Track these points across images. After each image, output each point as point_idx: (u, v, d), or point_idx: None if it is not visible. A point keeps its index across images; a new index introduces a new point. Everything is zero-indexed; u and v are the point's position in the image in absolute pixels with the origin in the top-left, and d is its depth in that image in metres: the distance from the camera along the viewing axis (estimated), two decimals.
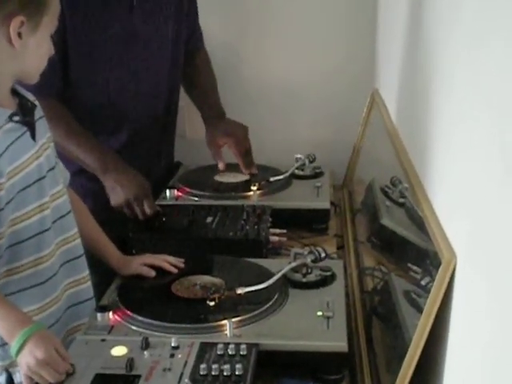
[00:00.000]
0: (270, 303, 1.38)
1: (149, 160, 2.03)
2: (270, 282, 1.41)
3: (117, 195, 1.79)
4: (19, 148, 1.29)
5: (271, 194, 1.96)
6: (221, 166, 2.07)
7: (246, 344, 1.24)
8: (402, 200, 1.52)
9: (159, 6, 1.96)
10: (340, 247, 1.86)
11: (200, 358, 1.22)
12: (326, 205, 1.91)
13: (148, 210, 1.78)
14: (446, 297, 1.07)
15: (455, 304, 1.06)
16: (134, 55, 1.92)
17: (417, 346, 1.09)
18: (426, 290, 1.11)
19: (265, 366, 1.24)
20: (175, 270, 1.53)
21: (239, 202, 1.90)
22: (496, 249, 0.87)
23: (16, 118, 1.30)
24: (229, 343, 1.24)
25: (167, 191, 1.94)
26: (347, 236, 1.93)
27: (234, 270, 1.57)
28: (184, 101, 2.20)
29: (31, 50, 1.28)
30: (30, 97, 1.38)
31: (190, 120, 2.40)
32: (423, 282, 1.17)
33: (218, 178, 2.08)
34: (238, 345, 1.24)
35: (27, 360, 1.17)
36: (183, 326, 1.32)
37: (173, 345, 1.25)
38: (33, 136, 1.33)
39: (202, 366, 1.18)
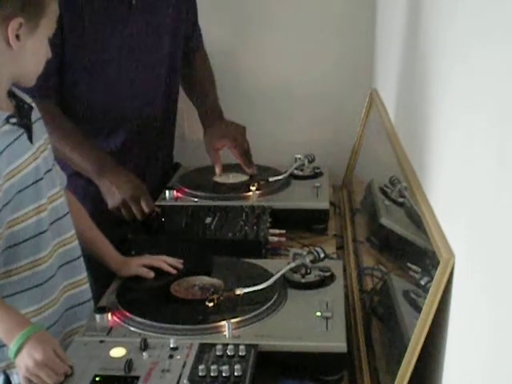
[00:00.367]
0: (269, 304, 1.38)
1: (146, 161, 2.03)
2: (269, 282, 1.41)
3: (113, 197, 1.79)
4: (16, 150, 1.29)
5: (270, 195, 1.96)
6: (217, 170, 2.07)
7: (245, 345, 1.24)
8: (401, 200, 1.52)
9: (158, 7, 1.96)
10: (339, 247, 1.86)
11: (199, 359, 1.21)
12: (325, 205, 1.91)
13: (146, 209, 1.78)
14: (445, 296, 1.06)
15: (454, 303, 1.05)
16: (132, 56, 1.91)
17: (416, 346, 1.08)
18: (425, 289, 1.11)
19: (264, 366, 1.23)
20: (174, 271, 1.53)
21: (238, 203, 1.90)
22: (494, 248, 0.87)
23: (13, 120, 1.30)
24: (228, 344, 1.24)
25: (166, 192, 1.94)
26: (346, 236, 1.93)
27: (233, 271, 1.56)
28: (183, 102, 2.20)
29: (29, 53, 1.28)
30: (27, 99, 1.38)
31: (189, 121, 2.40)
32: (422, 282, 1.17)
33: (217, 178, 2.08)
34: (236, 346, 1.23)
35: (25, 362, 1.17)
36: (182, 327, 1.32)
37: (171, 346, 1.25)
38: (30, 138, 1.32)
39: (201, 366, 1.18)
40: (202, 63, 2.19)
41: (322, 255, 1.50)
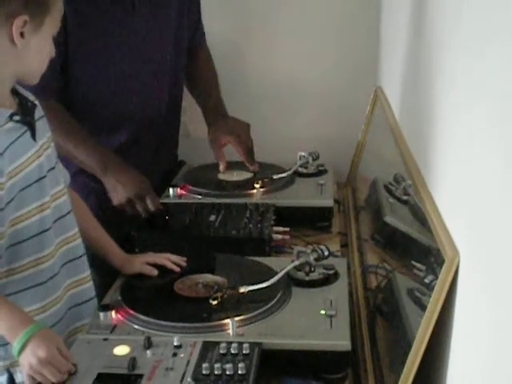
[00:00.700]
0: (273, 302, 1.37)
1: (150, 159, 2.02)
2: (273, 280, 1.41)
3: (118, 194, 1.79)
4: (19, 148, 1.29)
5: (274, 192, 1.96)
6: (222, 167, 2.06)
7: (249, 343, 1.23)
8: (405, 197, 1.51)
9: (161, 5, 1.95)
10: (344, 245, 1.85)
11: (202, 357, 1.21)
12: (329, 202, 1.90)
13: (151, 207, 1.78)
14: (450, 294, 1.06)
15: (459, 302, 1.05)
16: (136, 54, 1.91)
17: (420, 344, 1.08)
18: (430, 287, 1.11)
19: (267, 365, 1.23)
20: (178, 269, 1.53)
21: (242, 200, 1.89)
22: (499, 246, 0.86)
23: (16, 118, 1.29)
24: (231, 342, 1.24)
25: (170, 189, 1.94)
26: (351, 234, 1.92)
27: (237, 269, 1.56)
28: (187, 100, 2.20)
29: (33, 50, 1.28)
30: (31, 97, 1.38)
31: (193, 119, 2.40)
32: (427, 280, 1.16)
33: (221, 176, 2.07)
34: (240, 344, 1.23)
35: (29, 360, 1.17)
36: (186, 325, 1.32)
37: (175, 344, 1.25)
38: (33, 136, 1.32)
39: (205, 365, 1.17)
40: (204, 60, 2.18)
41: (326, 253, 1.49)
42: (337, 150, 2.30)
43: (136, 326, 1.33)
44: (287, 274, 1.46)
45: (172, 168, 2.17)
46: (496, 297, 0.86)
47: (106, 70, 1.88)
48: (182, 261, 1.55)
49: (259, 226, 1.73)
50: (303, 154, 2.11)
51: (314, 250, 1.49)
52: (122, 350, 1.25)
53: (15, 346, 1.18)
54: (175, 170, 2.16)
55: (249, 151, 2.07)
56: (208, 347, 1.24)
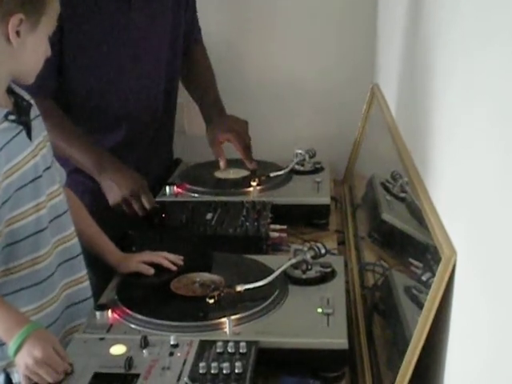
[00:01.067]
0: (270, 300, 1.37)
1: (146, 157, 2.02)
2: (270, 278, 1.40)
3: (114, 193, 1.79)
4: (15, 147, 1.28)
5: (271, 190, 1.95)
6: (222, 164, 2.05)
7: (246, 342, 1.23)
8: (402, 195, 1.51)
9: (157, 3, 1.95)
10: (340, 243, 1.85)
11: (199, 357, 1.21)
12: (326, 200, 1.90)
13: (147, 205, 1.78)
14: (447, 292, 1.06)
15: (456, 299, 1.05)
16: (132, 51, 1.91)
17: (417, 342, 1.08)
18: (427, 285, 1.11)
19: (264, 363, 1.23)
20: (174, 268, 1.52)
21: (239, 198, 1.89)
22: (496, 244, 0.86)
23: (11, 117, 1.29)
24: (228, 341, 1.23)
25: (167, 188, 1.94)
26: (348, 231, 1.92)
27: (234, 267, 1.56)
28: (183, 97, 2.20)
29: (29, 50, 1.28)
30: (26, 96, 1.37)
31: (189, 116, 2.39)
32: (424, 278, 1.16)
33: (217, 174, 2.07)
34: (237, 343, 1.23)
35: (25, 360, 1.16)
36: (182, 324, 1.32)
37: (172, 343, 1.25)
38: (29, 135, 1.32)
39: (202, 364, 1.17)
40: (201, 57, 2.18)
41: (322, 251, 1.49)
42: (334, 148, 2.30)
43: (132, 326, 1.33)
44: (284, 272, 1.45)
45: (168, 166, 2.16)
46: (494, 295, 0.86)
47: (101, 70, 1.88)
48: (178, 259, 1.55)
49: (256, 224, 1.73)
50: (300, 151, 2.10)
51: (310, 248, 1.49)
52: (118, 350, 1.24)
53: (11, 346, 1.18)
54: (171, 168, 2.15)
55: (247, 149, 2.06)
56: (205, 346, 1.24)
